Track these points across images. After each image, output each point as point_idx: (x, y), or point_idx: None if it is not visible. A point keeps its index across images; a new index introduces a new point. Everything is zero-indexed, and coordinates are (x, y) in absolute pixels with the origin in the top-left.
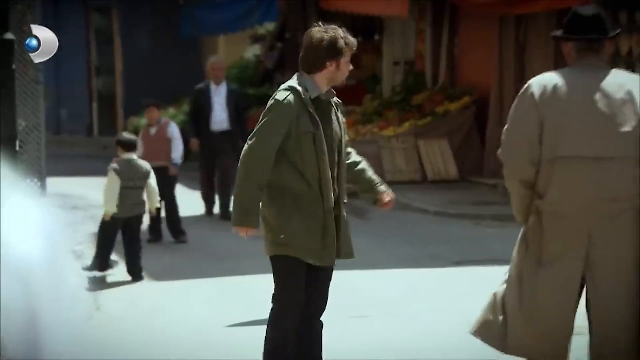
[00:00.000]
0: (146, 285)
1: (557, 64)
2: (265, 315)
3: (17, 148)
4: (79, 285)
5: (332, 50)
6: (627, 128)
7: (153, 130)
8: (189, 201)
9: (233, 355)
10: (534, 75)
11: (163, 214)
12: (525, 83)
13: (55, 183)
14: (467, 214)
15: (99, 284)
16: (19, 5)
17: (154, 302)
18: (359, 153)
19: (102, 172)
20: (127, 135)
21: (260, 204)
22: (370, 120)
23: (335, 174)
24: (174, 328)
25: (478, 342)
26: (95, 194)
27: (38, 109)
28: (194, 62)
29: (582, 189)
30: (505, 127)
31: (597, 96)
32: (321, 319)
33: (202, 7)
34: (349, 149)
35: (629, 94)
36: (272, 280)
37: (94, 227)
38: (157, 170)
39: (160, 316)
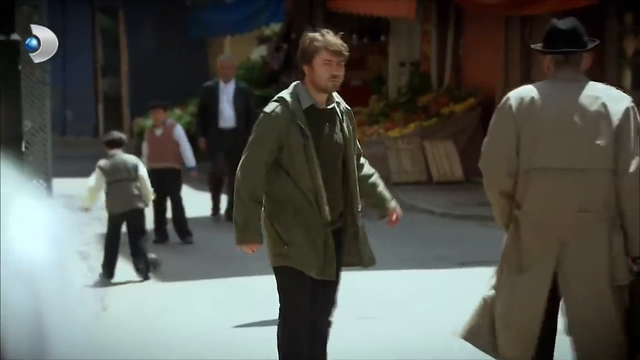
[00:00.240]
0: (152, 286)
1: None
2: (271, 316)
3: (23, 149)
4: (85, 286)
5: (303, 54)
6: (600, 141)
7: (159, 132)
8: (195, 202)
9: (239, 355)
10: (539, 77)
11: (169, 214)
12: (531, 84)
13: (61, 184)
14: (472, 215)
15: (106, 285)
16: (25, 6)
17: (160, 302)
18: (365, 154)
19: None
20: (112, 133)
21: (262, 215)
22: (376, 121)
23: (337, 184)
24: (180, 329)
25: None
26: (101, 195)
27: (44, 110)
28: (200, 63)
29: (555, 200)
30: (485, 139)
31: (572, 109)
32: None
33: (209, 9)
34: (363, 160)
35: (604, 106)
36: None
37: (100, 228)
38: (163, 171)
39: (166, 317)
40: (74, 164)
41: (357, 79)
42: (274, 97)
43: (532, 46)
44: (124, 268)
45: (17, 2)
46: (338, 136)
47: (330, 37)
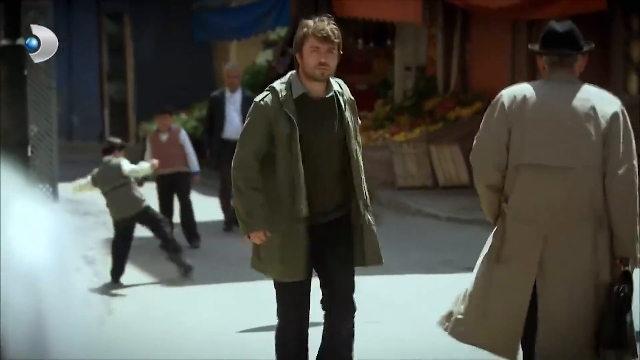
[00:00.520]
0: (158, 290)
1: None
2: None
3: (29, 154)
4: (91, 290)
5: (295, 43)
6: (588, 142)
7: (164, 137)
8: (202, 207)
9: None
10: None
11: (176, 219)
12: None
13: (67, 189)
14: (478, 219)
15: (112, 289)
16: (32, 11)
17: (166, 306)
18: (371, 159)
19: None
20: (105, 141)
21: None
22: (381, 125)
23: (332, 176)
24: (186, 333)
25: None
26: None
27: (50, 115)
28: (206, 68)
29: (540, 196)
30: (477, 134)
31: (563, 109)
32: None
33: (215, 13)
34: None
35: (594, 109)
36: None
37: (106, 233)
38: (172, 176)
39: (173, 321)
40: (80, 169)
41: (362, 83)
42: None
43: (530, 46)
44: (130, 272)
45: (23, 7)
46: (336, 126)
47: (319, 24)
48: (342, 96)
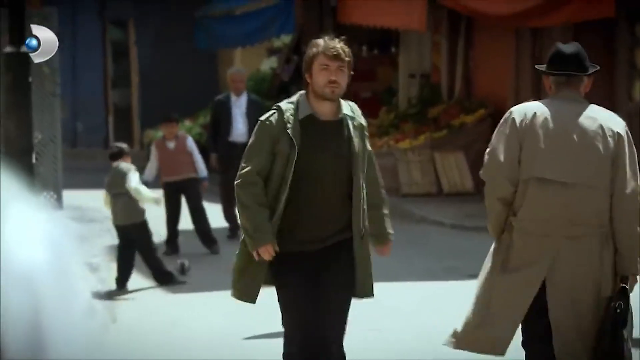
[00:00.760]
0: (163, 297)
1: None
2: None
3: (34, 161)
4: (95, 296)
5: (305, 62)
6: (596, 159)
7: (172, 145)
8: (210, 213)
9: None
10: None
11: (183, 226)
12: (542, 96)
13: (71, 196)
14: (483, 227)
15: (116, 296)
16: (36, 18)
17: (171, 314)
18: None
19: None
20: (112, 146)
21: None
22: (386, 132)
23: (335, 200)
24: (191, 340)
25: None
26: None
27: (54, 122)
28: (211, 75)
29: (548, 210)
30: (488, 149)
31: (572, 127)
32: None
33: (219, 20)
34: (379, 182)
35: (602, 128)
36: None
37: (111, 240)
38: (181, 183)
39: (178, 328)
40: (85, 176)
41: (367, 91)
42: None
43: (537, 67)
44: (135, 279)
45: (28, 14)
46: (343, 150)
47: (330, 42)
48: (353, 120)
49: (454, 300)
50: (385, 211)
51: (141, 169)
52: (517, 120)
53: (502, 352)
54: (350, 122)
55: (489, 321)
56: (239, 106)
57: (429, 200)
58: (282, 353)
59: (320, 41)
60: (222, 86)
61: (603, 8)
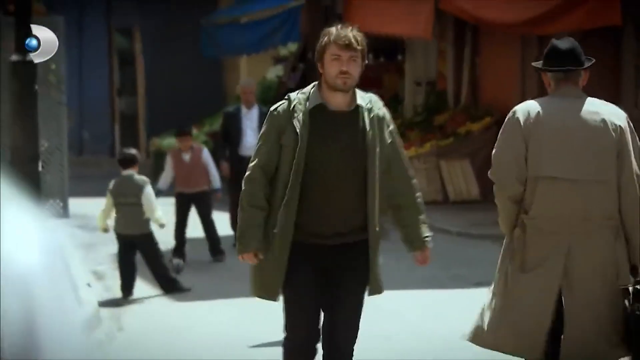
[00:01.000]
0: (169, 305)
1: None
2: None
3: (40, 169)
4: (100, 304)
5: (317, 52)
6: (600, 153)
7: (187, 157)
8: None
9: None
10: None
11: (190, 234)
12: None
13: (77, 204)
14: (489, 234)
15: (122, 304)
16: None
17: (178, 322)
18: None
19: None
20: (125, 151)
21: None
22: None
23: (348, 196)
24: (196, 347)
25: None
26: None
27: (61, 130)
28: (216, 82)
29: (559, 207)
30: (494, 150)
31: (575, 123)
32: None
33: (225, 28)
34: (407, 186)
35: (604, 122)
36: None
37: (116, 248)
38: (195, 195)
39: (184, 336)
40: (91, 184)
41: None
42: None
43: (533, 64)
44: (141, 287)
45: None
46: (355, 142)
47: (341, 31)
48: (370, 112)
49: (459, 308)
50: (419, 214)
51: (146, 176)
52: (521, 120)
53: (539, 355)
54: (366, 114)
55: (518, 324)
56: (250, 119)
57: (435, 208)
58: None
59: (332, 30)
60: (227, 94)
61: (610, 16)
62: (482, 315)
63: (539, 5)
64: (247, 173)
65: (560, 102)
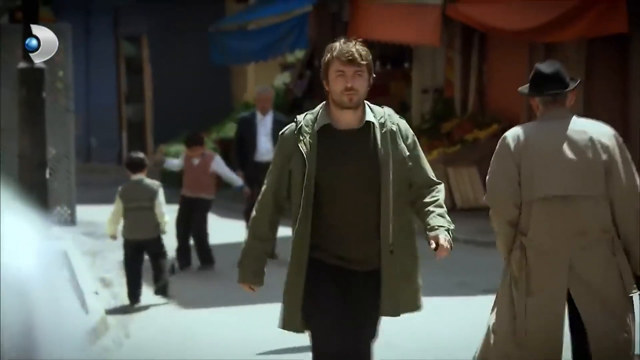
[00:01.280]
0: (176, 312)
1: (586, 92)
2: (297, 342)
3: (48, 176)
4: (108, 311)
5: (322, 70)
6: (590, 170)
7: (196, 162)
8: (223, 228)
9: None
10: None
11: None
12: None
13: (85, 211)
14: (495, 242)
15: (129, 311)
16: None
17: (184, 329)
18: None
19: None
20: (133, 154)
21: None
22: None
23: (364, 218)
24: (204, 355)
25: None
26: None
27: (68, 137)
28: (224, 90)
29: (555, 226)
30: (488, 176)
31: (564, 144)
32: None
33: (232, 36)
34: (437, 185)
35: (592, 140)
36: None
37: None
38: (194, 200)
39: (191, 343)
40: (98, 191)
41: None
42: None
43: (519, 90)
44: (148, 294)
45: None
46: (367, 160)
47: (344, 45)
48: (383, 127)
49: (466, 315)
50: (435, 206)
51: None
52: (512, 145)
53: None
54: (378, 130)
55: (530, 344)
56: (264, 125)
57: None
58: None
59: (335, 45)
60: (235, 101)
61: (616, 23)
62: (489, 337)
63: (546, 12)
64: (259, 197)
65: (549, 124)
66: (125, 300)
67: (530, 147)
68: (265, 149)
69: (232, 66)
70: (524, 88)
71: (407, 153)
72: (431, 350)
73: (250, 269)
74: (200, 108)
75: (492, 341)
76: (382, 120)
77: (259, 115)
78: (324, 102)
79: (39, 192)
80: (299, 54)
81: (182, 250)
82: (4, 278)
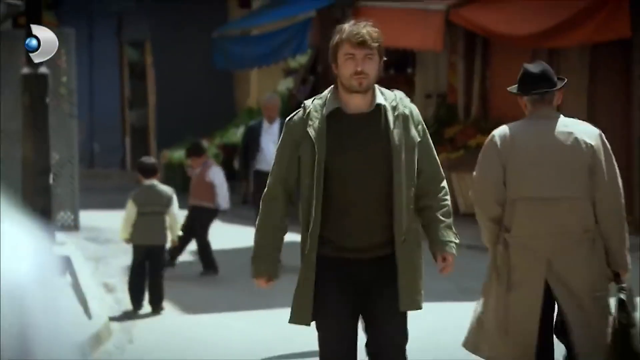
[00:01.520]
0: (179, 317)
1: (590, 98)
2: (300, 347)
3: (51, 181)
4: (111, 317)
5: (330, 52)
6: (575, 171)
7: (197, 170)
8: (228, 235)
9: None
10: (566, 109)
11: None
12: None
13: (88, 216)
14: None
15: (132, 317)
16: None
17: (188, 334)
18: None
19: None
20: (146, 160)
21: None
22: None
23: (374, 205)
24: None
25: None
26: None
27: (72, 143)
28: (227, 95)
29: (538, 224)
30: (475, 173)
31: (550, 144)
32: None
33: (235, 41)
34: (441, 184)
35: (577, 141)
36: None
37: (126, 261)
38: (195, 209)
39: (194, 349)
40: (102, 196)
41: None
42: None
43: (508, 89)
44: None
45: None
46: (378, 145)
47: (354, 27)
48: (395, 110)
49: (467, 318)
50: (443, 216)
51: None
52: (499, 143)
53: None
54: (389, 113)
55: (512, 340)
56: (271, 133)
57: None
58: None
59: (345, 26)
60: (238, 106)
61: (619, 29)
62: (477, 326)
63: (549, 18)
64: (265, 191)
65: (536, 124)
66: (128, 305)
67: (517, 147)
68: (270, 157)
69: (235, 71)
70: (513, 87)
71: (418, 139)
72: (431, 350)
73: (266, 260)
74: (204, 113)
75: (481, 329)
76: (394, 104)
77: (265, 124)
78: (332, 86)
79: (42, 198)
80: (302, 59)
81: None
82: (1, 284)
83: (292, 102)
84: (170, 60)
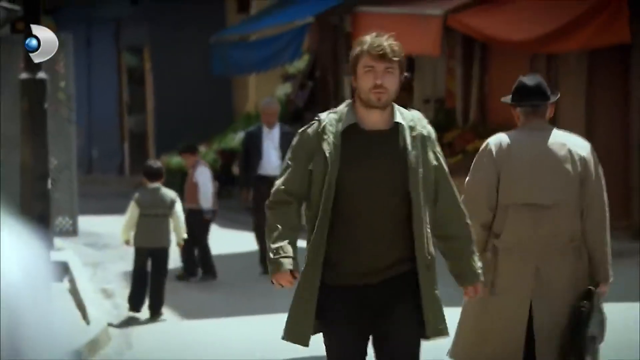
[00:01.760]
0: (178, 322)
1: (588, 102)
2: (301, 353)
3: (49, 187)
4: (110, 322)
5: (350, 64)
6: (566, 182)
7: (190, 172)
8: (226, 239)
9: None
10: (565, 114)
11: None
12: (556, 122)
13: (86, 222)
14: None
15: (131, 322)
16: None
17: (187, 339)
18: None
19: None
20: (153, 164)
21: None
22: None
23: (388, 225)
24: None
25: None
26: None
27: (70, 148)
28: (225, 100)
29: (528, 231)
30: (468, 178)
31: (543, 154)
32: None
33: (233, 47)
34: (460, 208)
35: (570, 152)
36: None
37: (125, 266)
38: (188, 211)
39: (194, 354)
40: (100, 202)
41: None
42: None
43: (502, 99)
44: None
45: None
46: (395, 165)
47: (376, 39)
48: (412, 130)
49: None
50: (470, 245)
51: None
52: (494, 151)
53: None
54: (407, 132)
55: (492, 342)
56: (271, 138)
57: None
58: None
59: (366, 38)
60: (236, 112)
61: (618, 34)
62: (460, 333)
63: (547, 23)
64: (271, 199)
65: (529, 134)
66: (127, 310)
67: (512, 155)
68: (274, 162)
69: (233, 77)
70: (507, 98)
71: (435, 163)
72: (431, 350)
73: (288, 255)
74: (202, 119)
75: (463, 336)
76: (412, 124)
77: (265, 129)
78: (349, 101)
79: (41, 203)
80: (300, 64)
81: (188, 259)
82: None
83: (290, 108)
84: (169, 65)
